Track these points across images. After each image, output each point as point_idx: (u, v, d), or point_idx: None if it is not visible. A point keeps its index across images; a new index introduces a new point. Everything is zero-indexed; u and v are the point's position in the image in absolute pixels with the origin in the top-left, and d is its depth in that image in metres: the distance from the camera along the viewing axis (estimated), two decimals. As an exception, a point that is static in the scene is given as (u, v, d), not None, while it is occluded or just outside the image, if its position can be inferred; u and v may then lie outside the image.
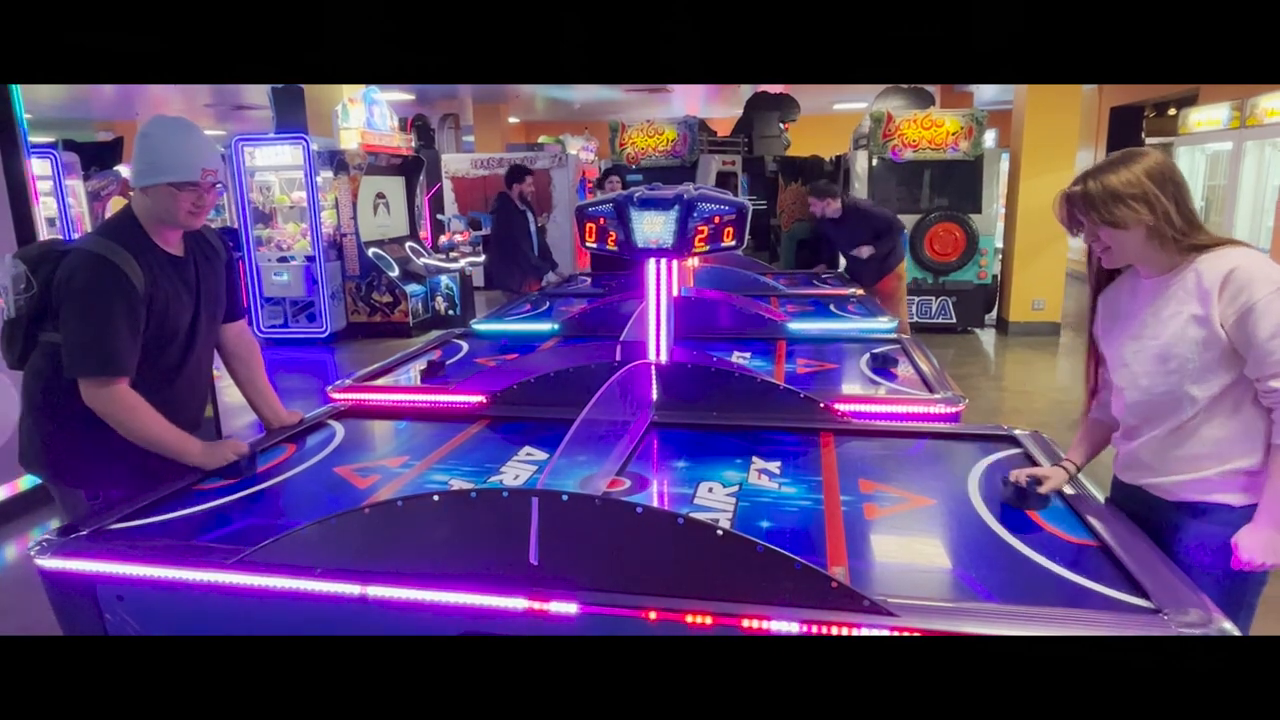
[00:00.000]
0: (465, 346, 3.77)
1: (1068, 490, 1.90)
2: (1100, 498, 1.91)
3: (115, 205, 9.78)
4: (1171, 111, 11.05)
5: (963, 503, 1.91)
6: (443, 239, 10.75)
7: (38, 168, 5.45)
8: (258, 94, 12.06)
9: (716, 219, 2.42)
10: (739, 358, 3.27)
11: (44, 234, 4.53)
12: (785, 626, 1.38)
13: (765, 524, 1.79)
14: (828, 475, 2.07)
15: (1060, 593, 1.48)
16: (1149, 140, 11.81)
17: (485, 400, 2.68)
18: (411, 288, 9.17)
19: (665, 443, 2.38)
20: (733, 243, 2.46)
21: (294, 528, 1.63)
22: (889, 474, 2.09)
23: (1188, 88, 10.06)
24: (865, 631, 1.36)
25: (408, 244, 9.99)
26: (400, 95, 13.39)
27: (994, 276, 8.63)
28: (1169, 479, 1.80)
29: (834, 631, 1.37)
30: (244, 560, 1.60)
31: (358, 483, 2.09)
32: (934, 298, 8.47)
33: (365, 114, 9.28)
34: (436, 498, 1.55)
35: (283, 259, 8.67)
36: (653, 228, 2.45)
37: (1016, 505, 1.84)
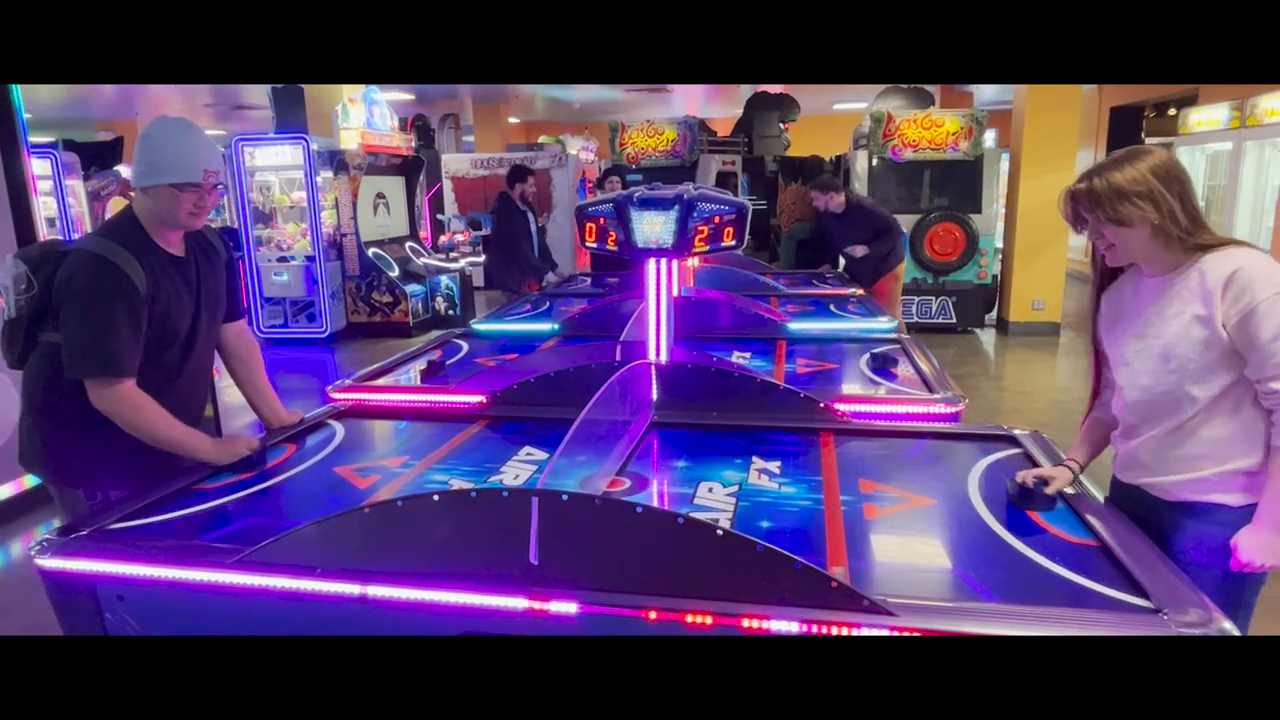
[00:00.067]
0: (465, 346, 3.77)
1: (1068, 490, 1.90)
2: (1100, 497, 1.91)
3: (115, 205, 9.78)
4: (1171, 111, 11.05)
5: (963, 503, 1.91)
6: (443, 239, 10.75)
7: (38, 168, 5.44)
8: (258, 94, 12.06)
9: (716, 219, 2.42)
10: (739, 358, 3.27)
11: (44, 234, 4.53)
12: (785, 626, 1.38)
13: (765, 524, 1.79)
14: (827, 475, 2.07)
15: (1060, 593, 1.48)
16: (1149, 140, 11.81)
17: (485, 400, 2.68)
18: (411, 288, 9.17)
19: (665, 442, 2.38)
20: (732, 243, 2.46)
21: (294, 527, 1.63)
22: (889, 474, 2.09)
23: (1188, 88, 10.06)
24: (865, 631, 1.36)
25: (408, 244, 9.99)
26: (400, 95, 13.39)
27: (994, 276, 8.63)
28: (1167, 479, 1.80)
29: (834, 631, 1.37)
30: (244, 560, 1.60)
31: (358, 482, 2.09)
32: (934, 298, 8.47)
33: (365, 114, 9.28)
34: (436, 498, 1.55)
35: (283, 259, 8.67)
36: (653, 228, 2.45)
37: (1023, 506, 1.84)
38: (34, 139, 4.92)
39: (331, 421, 2.61)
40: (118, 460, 2.10)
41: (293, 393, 6.40)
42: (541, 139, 15.66)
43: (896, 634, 1.35)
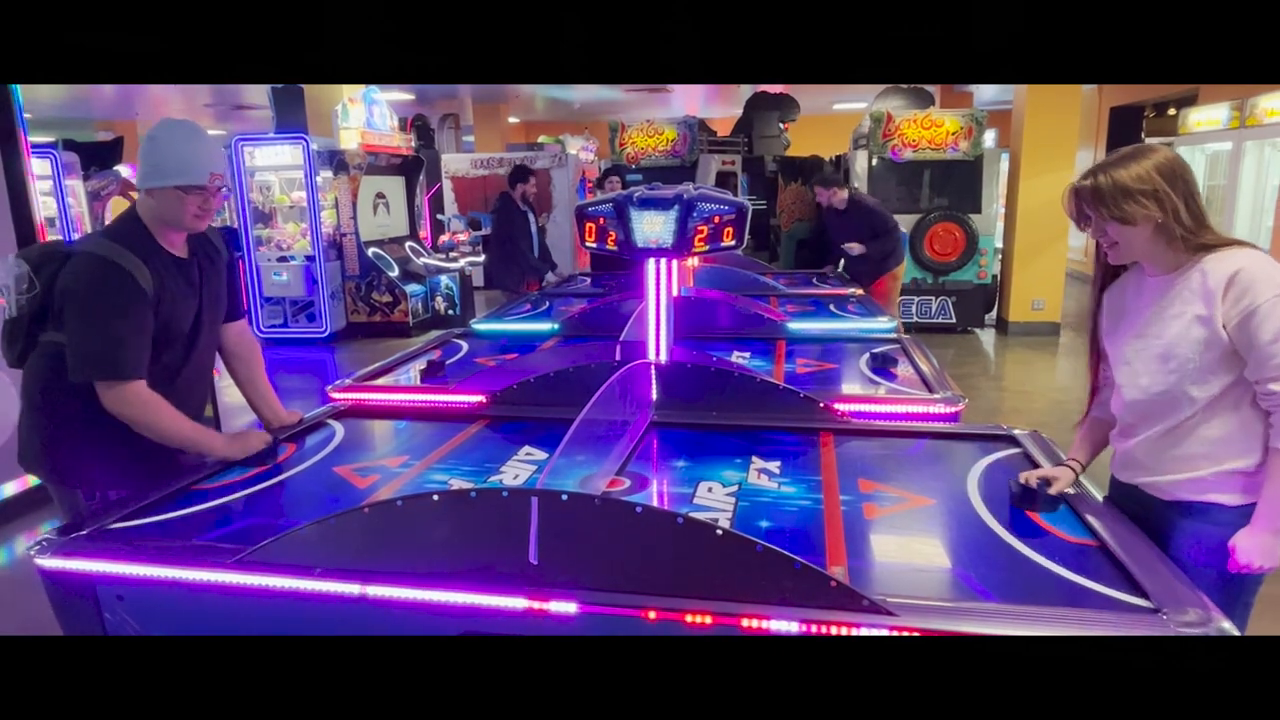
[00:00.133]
0: (465, 346, 3.77)
1: (1068, 490, 1.90)
2: (1099, 497, 1.91)
3: (115, 205, 9.78)
4: (1171, 111, 11.05)
5: (962, 502, 1.91)
6: (442, 239, 10.75)
7: (37, 167, 5.44)
8: (258, 94, 12.06)
9: (716, 219, 2.42)
10: (739, 357, 3.27)
11: (44, 234, 4.53)
12: (784, 626, 1.38)
13: (765, 524, 1.79)
14: (827, 475, 2.07)
15: (1059, 592, 1.48)
16: (1148, 141, 11.80)
17: (485, 400, 2.68)
18: (411, 287, 9.17)
19: (665, 442, 2.38)
20: (732, 243, 2.46)
21: (294, 527, 1.63)
22: (888, 474, 2.09)
23: (1188, 88, 10.05)
24: (864, 631, 1.36)
25: (407, 244, 9.99)
26: (400, 95, 13.39)
27: (994, 276, 8.63)
28: (1165, 478, 1.80)
29: (833, 631, 1.37)
30: (244, 560, 1.60)
31: (357, 482, 2.09)
32: (934, 297, 8.47)
33: (365, 114, 9.28)
34: (436, 497, 1.55)
35: (282, 259, 8.67)
36: (652, 227, 2.45)
37: (1026, 507, 1.83)
38: (34, 139, 4.92)
39: (331, 421, 2.61)
40: (117, 460, 2.11)
41: (292, 393, 6.40)
42: (541, 139, 15.65)
43: (896, 634, 1.35)
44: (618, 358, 2.70)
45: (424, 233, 10.71)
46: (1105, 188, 1.69)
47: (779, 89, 11.85)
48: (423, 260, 9.86)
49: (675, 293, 2.65)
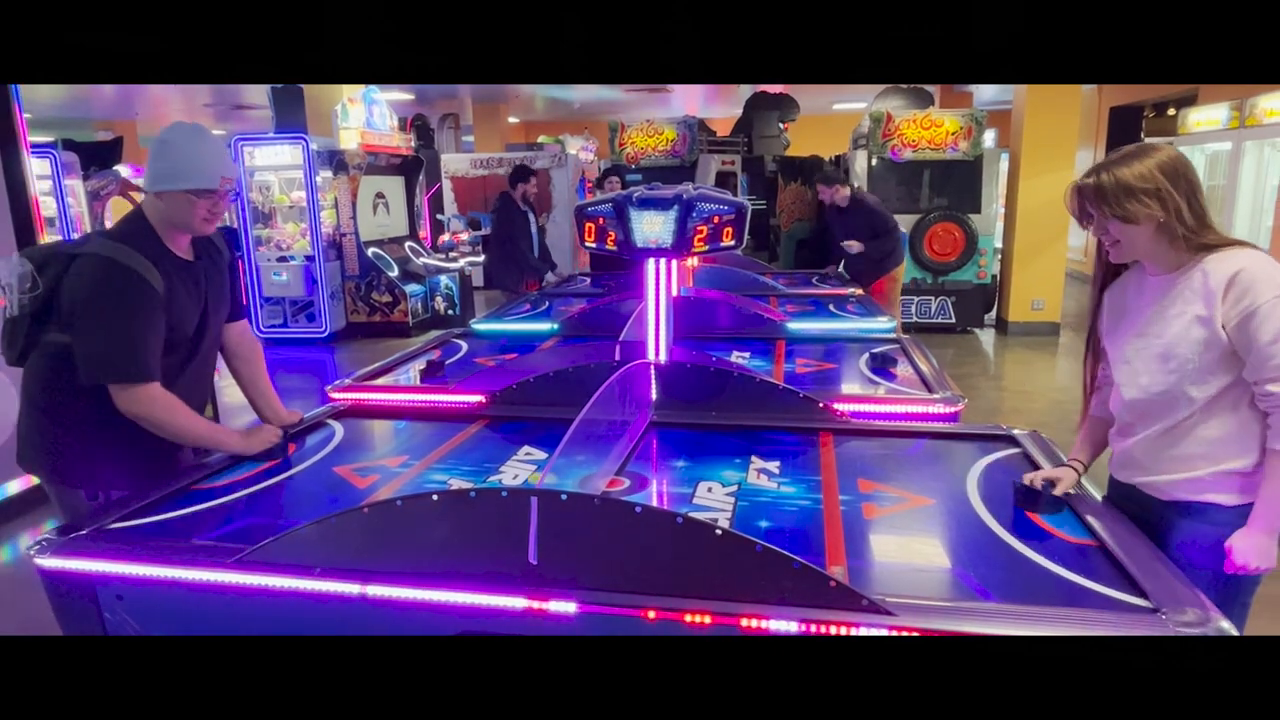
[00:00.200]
0: (465, 346, 3.77)
1: (1070, 491, 1.90)
2: (1098, 497, 1.91)
3: (115, 205, 9.77)
4: (1171, 112, 11.05)
5: (961, 502, 1.91)
6: (442, 239, 10.75)
7: (37, 167, 5.43)
8: (257, 94, 12.06)
9: (716, 219, 2.43)
10: (738, 357, 3.27)
11: (44, 235, 4.53)
12: (784, 626, 1.38)
13: (764, 523, 1.79)
14: (827, 475, 2.07)
15: (1058, 592, 1.48)
16: (1150, 140, 11.80)
17: (484, 400, 2.68)
18: (411, 287, 9.17)
19: (664, 442, 2.38)
20: (732, 242, 2.46)
21: (293, 527, 1.63)
22: (888, 474, 2.09)
23: (1187, 88, 10.05)
24: (864, 631, 1.36)
25: (407, 244, 9.99)
26: (400, 95, 13.39)
27: (993, 276, 8.63)
28: (1162, 478, 1.80)
29: (832, 631, 1.37)
30: (243, 560, 1.60)
31: (357, 482, 2.10)
32: (933, 297, 8.47)
33: (365, 114, 9.28)
34: (436, 497, 1.56)
35: (282, 259, 8.67)
36: (652, 227, 2.45)
37: (1030, 509, 1.83)
38: (33, 139, 4.91)
39: (331, 421, 2.61)
40: (121, 460, 2.11)
41: (292, 392, 6.40)
42: (541, 139, 15.65)
43: (895, 634, 1.35)
44: (617, 358, 2.70)
45: (424, 233, 10.71)
46: (1108, 186, 1.69)
47: (779, 89, 11.85)
48: (422, 260, 9.86)
49: (675, 293, 2.65)
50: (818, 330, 3.84)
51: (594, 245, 2.56)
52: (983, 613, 1.38)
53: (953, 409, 2.54)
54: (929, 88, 10.06)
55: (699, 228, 2.43)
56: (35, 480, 4.14)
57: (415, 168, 10.38)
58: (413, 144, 10.86)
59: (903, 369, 3.05)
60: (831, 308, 4.41)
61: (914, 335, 3.69)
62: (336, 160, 8.72)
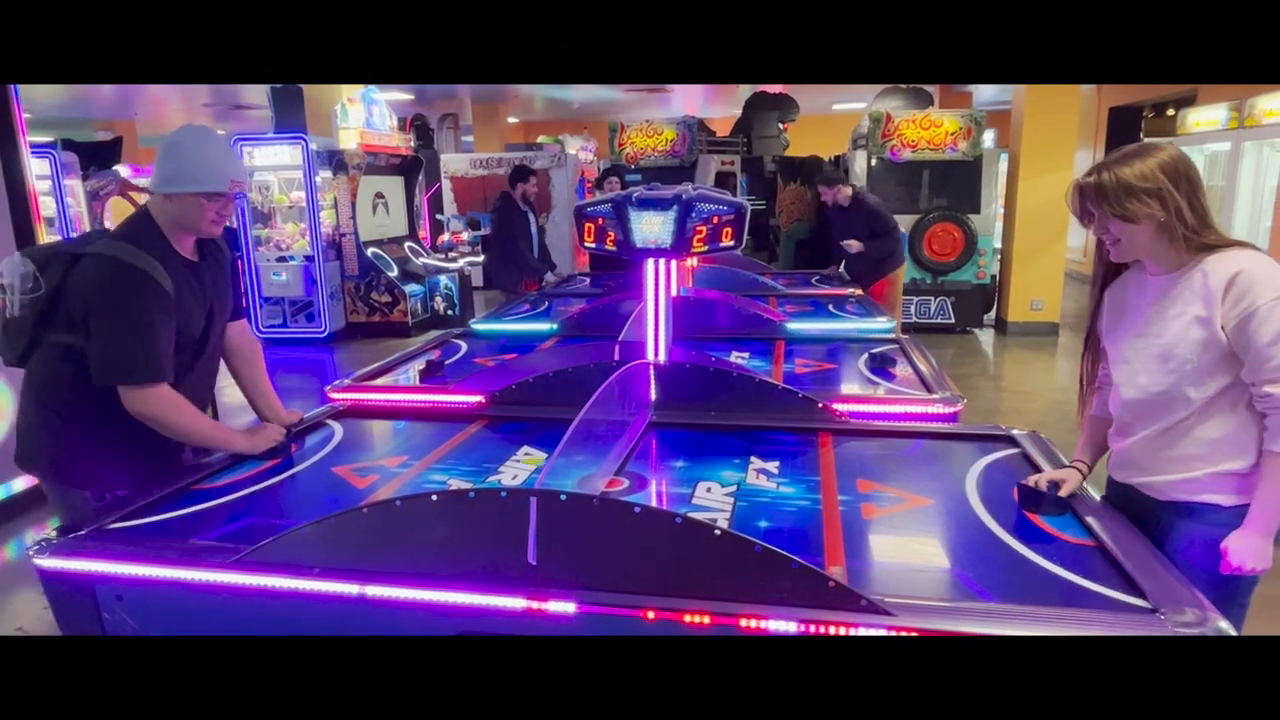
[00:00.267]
0: (464, 346, 3.77)
1: (1075, 492, 1.90)
2: (1097, 497, 1.91)
3: (114, 205, 9.77)
4: (1170, 112, 11.05)
5: (960, 503, 1.91)
6: (441, 239, 10.75)
7: (36, 167, 5.43)
8: (257, 94, 12.06)
9: (715, 219, 2.43)
10: (737, 358, 3.27)
11: (43, 234, 4.53)
12: (783, 626, 1.38)
13: (763, 524, 1.79)
14: (826, 475, 2.07)
15: (1057, 592, 1.48)
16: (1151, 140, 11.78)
17: (484, 400, 2.68)
18: (410, 288, 9.17)
19: (664, 442, 2.38)
20: (731, 243, 2.46)
21: (293, 527, 1.63)
22: (887, 474, 2.09)
23: (1186, 88, 10.06)
24: (863, 631, 1.36)
25: (407, 244, 9.99)
26: (399, 95, 13.39)
27: (992, 277, 8.64)
28: (1160, 478, 1.80)
29: (831, 631, 1.37)
30: (242, 560, 1.60)
31: (356, 482, 2.10)
32: (933, 298, 8.47)
33: (364, 114, 9.28)
34: (435, 497, 1.56)
35: (281, 259, 8.66)
36: (651, 228, 2.46)
37: (1034, 510, 1.83)
38: (33, 139, 4.92)
39: (330, 421, 2.61)
40: (126, 460, 2.10)
41: (292, 392, 6.40)
42: (540, 139, 15.65)
43: (894, 634, 1.35)
44: (616, 358, 2.70)
45: (423, 233, 10.71)
46: (1109, 184, 1.69)
47: (778, 89, 11.86)
48: (422, 260, 9.86)
49: (674, 293, 2.65)
50: (817, 330, 3.84)
51: (593, 245, 2.57)
52: (981, 613, 1.38)
53: (952, 409, 2.54)
54: (928, 88, 10.06)
55: (698, 228, 2.43)
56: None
57: (415, 168, 10.38)
58: (412, 144, 10.87)
59: (902, 369, 3.05)
60: (831, 308, 4.41)
61: (913, 335, 3.69)
62: (336, 160, 8.72)
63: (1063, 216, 8.07)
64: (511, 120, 18.09)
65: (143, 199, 9.71)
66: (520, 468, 2.16)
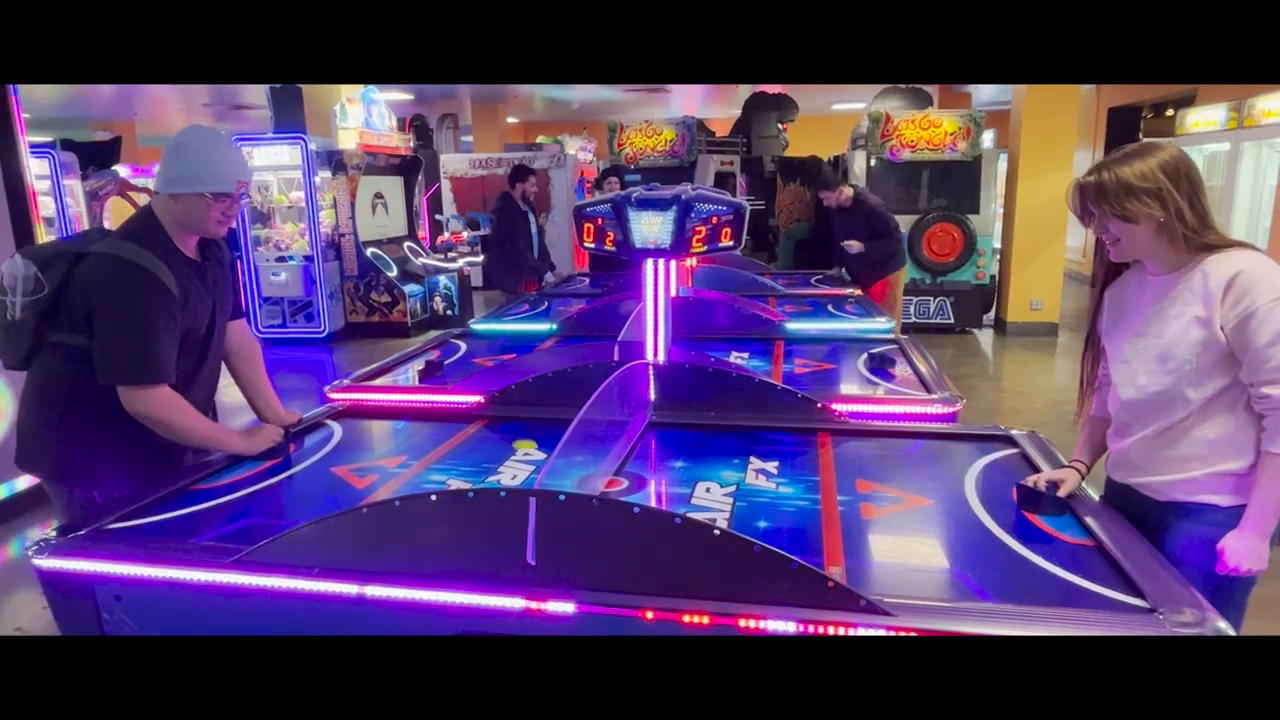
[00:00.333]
0: (463, 346, 3.77)
1: (1071, 491, 1.90)
2: (1095, 497, 1.91)
3: (113, 205, 9.77)
4: (1169, 112, 11.06)
5: (960, 503, 1.91)
6: (441, 239, 10.75)
7: (35, 167, 5.43)
8: (256, 94, 12.06)
9: (714, 219, 2.43)
10: (737, 358, 3.27)
11: (43, 235, 4.53)
12: (782, 626, 1.38)
13: (762, 524, 1.79)
14: (825, 475, 2.07)
15: (1056, 592, 1.48)
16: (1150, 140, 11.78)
17: (483, 400, 2.68)
18: (410, 288, 9.17)
19: (663, 443, 2.38)
20: (730, 243, 2.46)
21: (292, 527, 1.63)
22: (886, 474, 2.09)
23: (1186, 88, 10.06)
24: (862, 631, 1.36)
25: (406, 244, 9.99)
26: (399, 95, 13.39)
27: (992, 277, 8.64)
28: (1158, 479, 1.80)
29: (830, 631, 1.37)
30: (242, 560, 1.60)
31: (355, 482, 2.10)
32: (932, 298, 8.48)
33: (363, 114, 9.28)
34: (434, 498, 1.56)
35: (281, 259, 8.66)
36: (650, 228, 2.46)
37: (1033, 510, 1.83)
38: (32, 139, 4.92)
39: (329, 421, 2.61)
40: (128, 460, 2.10)
41: (291, 393, 6.40)
42: (540, 139, 15.66)
43: (893, 634, 1.35)
44: (616, 358, 2.70)
45: (422, 233, 10.71)
46: (1109, 184, 1.69)
47: (778, 89, 11.87)
48: (421, 260, 9.86)
49: (673, 293, 2.65)
50: (816, 331, 3.84)
51: (593, 245, 2.57)
52: (980, 613, 1.38)
53: (951, 409, 2.54)
54: (928, 88, 10.07)
55: (697, 228, 2.43)
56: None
57: (414, 168, 10.38)
58: (411, 144, 10.86)
59: (901, 369, 3.05)
60: (830, 308, 4.41)
61: (912, 335, 3.69)
62: (335, 160, 8.72)
63: (1062, 217, 8.08)
64: (511, 120, 18.10)
65: (142, 199, 9.71)
66: (520, 467, 2.16)
